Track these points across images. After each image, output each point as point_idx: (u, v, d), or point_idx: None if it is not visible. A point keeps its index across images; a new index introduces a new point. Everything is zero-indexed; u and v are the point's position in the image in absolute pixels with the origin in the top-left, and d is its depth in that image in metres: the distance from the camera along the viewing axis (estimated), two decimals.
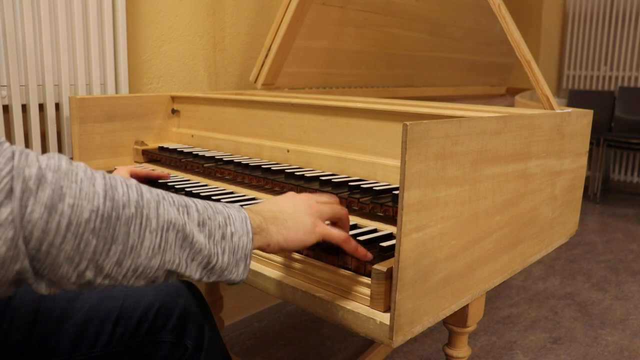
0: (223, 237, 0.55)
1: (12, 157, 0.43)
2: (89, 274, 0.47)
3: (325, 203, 0.70)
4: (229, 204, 0.59)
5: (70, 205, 0.44)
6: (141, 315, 0.82)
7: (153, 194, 0.51)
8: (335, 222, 0.72)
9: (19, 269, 0.43)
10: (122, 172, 1.01)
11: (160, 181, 1.12)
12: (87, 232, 0.45)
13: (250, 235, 0.58)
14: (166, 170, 1.26)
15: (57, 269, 0.45)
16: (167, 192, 0.54)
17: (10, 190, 0.42)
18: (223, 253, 0.55)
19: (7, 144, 0.44)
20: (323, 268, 0.72)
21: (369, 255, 0.68)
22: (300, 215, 0.65)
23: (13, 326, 0.76)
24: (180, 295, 0.85)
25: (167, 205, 0.51)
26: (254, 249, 0.60)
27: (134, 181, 0.51)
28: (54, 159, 0.46)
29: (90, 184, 0.46)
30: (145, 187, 0.51)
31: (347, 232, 0.72)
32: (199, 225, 0.53)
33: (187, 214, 0.53)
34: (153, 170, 1.12)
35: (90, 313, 0.80)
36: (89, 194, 0.46)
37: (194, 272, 0.54)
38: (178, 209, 0.52)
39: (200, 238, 0.53)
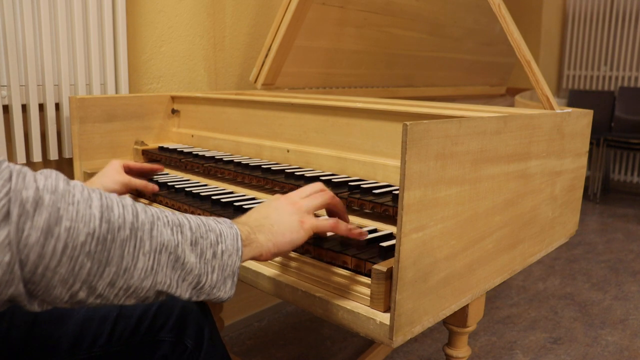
0: (214, 255, 0.56)
1: (10, 178, 0.43)
2: (82, 294, 0.47)
3: (309, 196, 0.70)
4: (220, 219, 0.60)
5: (66, 229, 0.44)
6: (140, 314, 0.82)
7: (148, 214, 0.51)
8: (332, 213, 0.72)
9: (13, 292, 0.43)
10: (116, 165, 1.01)
11: (159, 181, 1.12)
12: (83, 255, 0.45)
13: (240, 253, 0.58)
14: (165, 170, 1.26)
15: (51, 290, 0.45)
16: (162, 210, 0.54)
17: (7, 214, 0.42)
18: (213, 271, 0.56)
19: (6, 164, 0.44)
20: (323, 268, 0.72)
21: (364, 234, 0.69)
22: (285, 217, 0.66)
23: (13, 326, 0.76)
24: None
25: (161, 226, 0.52)
26: (246, 260, 0.61)
27: (129, 201, 0.51)
28: (51, 179, 0.46)
29: (87, 205, 0.47)
30: (140, 207, 0.52)
31: (345, 213, 0.73)
32: (191, 244, 0.54)
33: (181, 233, 0.53)
34: (145, 163, 1.13)
35: (89, 312, 0.80)
36: (85, 216, 0.46)
37: (184, 292, 0.55)
38: (172, 229, 0.53)
39: (191, 258, 0.54)
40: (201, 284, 0.55)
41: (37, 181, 0.45)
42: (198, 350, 0.84)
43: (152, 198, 1.07)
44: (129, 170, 1.05)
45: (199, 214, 0.94)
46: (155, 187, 1.04)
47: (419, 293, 0.64)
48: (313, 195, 0.70)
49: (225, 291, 0.58)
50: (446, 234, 0.67)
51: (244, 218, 0.65)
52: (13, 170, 0.44)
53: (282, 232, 0.64)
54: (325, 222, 0.67)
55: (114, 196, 0.51)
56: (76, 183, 0.48)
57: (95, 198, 0.48)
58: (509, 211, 0.81)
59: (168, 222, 0.53)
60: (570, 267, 2.67)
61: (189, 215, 0.57)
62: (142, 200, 1.09)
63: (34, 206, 0.43)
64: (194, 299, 0.56)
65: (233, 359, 1.10)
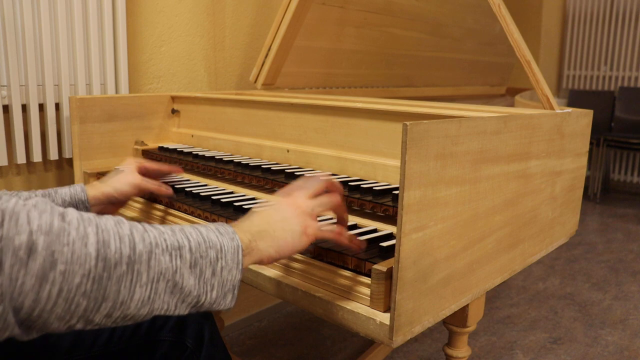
0: (213, 273, 0.55)
1: (2, 223, 0.43)
2: (79, 326, 0.48)
3: (312, 196, 0.68)
4: (222, 229, 0.59)
5: (61, 272, 0.44)
6: None
7: (146, 242, 0.50)
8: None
9: (9, 335, 0.44)
10: (130, 166, 0.98)
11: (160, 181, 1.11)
12: (78, 296, 0.45)
13: (240, 267, 0.58)
14: None
15: (48, 326, 0.46)
16: (161, 232, 0.53)
17: (0, 263, 0.42)
18: (212, 290, 0.55)
19: None
20: (323, 268, 0.72)
21: (363, 244, 0.68)
22: (287, 222, 0.64)
23: None
24: None
25: (159, 253, 0.51)
26: (246, 267, 0.60)
27: (127, 230, 0.50)
28: (45, 215, 0.45)
29: (82, 244, 0.46)
30: (138, 235, 0.50)
31: (345, 216, 0.72)
32: (190, 267, 0.53)
33: (180, 257, 0.53)
34: (163, 165, 1.07)
35: None
36: (81, 257, 0.45)
37: (182, 311, 0.55)
38: (170, 254, 0.52)
39: (190, 281, 0.53)
40: (200, 303, 0.55)
41: (30, 222, 0.44)
42: (198, 350, 0.84)
43: (169, 203, 1.03)
44: (146, 172, 1.01)
45: (199, 214, 0.94)
46: (170, 190, 1.00)
47: (419, 293, 0.64)
48: (318, 197, 0.69)
49: (225, 304, 0.57)
50: (446, 234, 0.67)
51: (246, 223, 0.64)
52: (5, 213, 0.43)
53: (284, 237, 0.63)
54: (328, 231, 0.66)
55: (111, 225, 0.49)
56: (72, 218, 0.47)
57: (91, 234, 0.47)
58: (509, 211, 0.81)
59: (167, 247, 0.52)
60: (570, 267, 2.67)
61: (189, 230, 0.56)
62: (156, 205, 1.06)
63: (27, 253, 0.43)
64: (193, 312, 0.56)
65: (233, 359, 1.10)
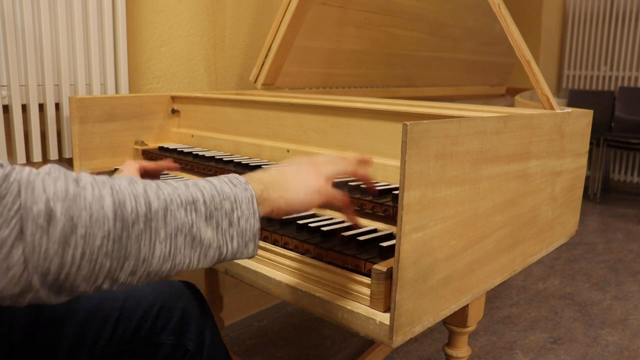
0: (230, 224, 0.56)
1: (19, 193, 0.43)
2: (106, 286, 0.48)
3: (329, 162, 0.69)
4: (235, 180, 0.59)
5: (82, 236, 0.45)
6: (141, 316, 0.82)
7: (160, 199, 0.51)
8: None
9: (32, 297, 0.45)
10: (132, 170, 0.96)
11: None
12: (101, 257, 0.46)
13: (257, 215, 0.58)
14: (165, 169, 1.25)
15: (75, 288, 0.47)
16: (174, 187, 0.53)
17: (21, 231, 0.42)
18: (232, 240, 0.56)
19: (13, 176, 0.44)
20: (323, 268, 0.72)
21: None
22: (302, 176, 0.65)
23: (14, 326, 0.76)
24: (181, 296, 0.85)
25: (175, 209, 0.52)
26: (261, 216, 0.60)
27: (141, 189, 0.50)
28: (60, 182, 0.46)
29: (99, 206, 0.46)
30: (152, 193, 0.51)
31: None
32: (206, 219, 0.54)
33: (195, 210, 0.53)
34: (161, 163, 1.08)
35: (90, 313, 0.80)
36: (99, 219, 0.46)
37: (207, 264, 0.55)
38: (185, 209, 0.53)
39: (207, 233, 0.54)
40: (223, 255, 0.56)
41: (46, 190, 0.44)
42: (199, 352, 0.83)
43: None
44: (145, 172, 1.00)
45: None
46: None
47: (419, 293, 0.64)
48: (335, 161, 0.70)
49: (248, 253, 0.58)
50: (446, 234, 0.67)
51: (259, 174, 0.64)
52: (21, 183, 0.44)
53: (295, 191, 0.63)
54: (340, 197, 0.66)
55: (125, 185, 0.49)
56: (85, 182, 0.47)
57: (106, 196, 0.47)
58: (509, 211, 0.81)
59: (181, 202, 0.52)
60: (570, 267, 2.67)
61: (202, 184, 0.56)
62: None
63: (47, 219, 0.43)
64: (217, 264, 0.57)
65: (233, 359, 1.10)
